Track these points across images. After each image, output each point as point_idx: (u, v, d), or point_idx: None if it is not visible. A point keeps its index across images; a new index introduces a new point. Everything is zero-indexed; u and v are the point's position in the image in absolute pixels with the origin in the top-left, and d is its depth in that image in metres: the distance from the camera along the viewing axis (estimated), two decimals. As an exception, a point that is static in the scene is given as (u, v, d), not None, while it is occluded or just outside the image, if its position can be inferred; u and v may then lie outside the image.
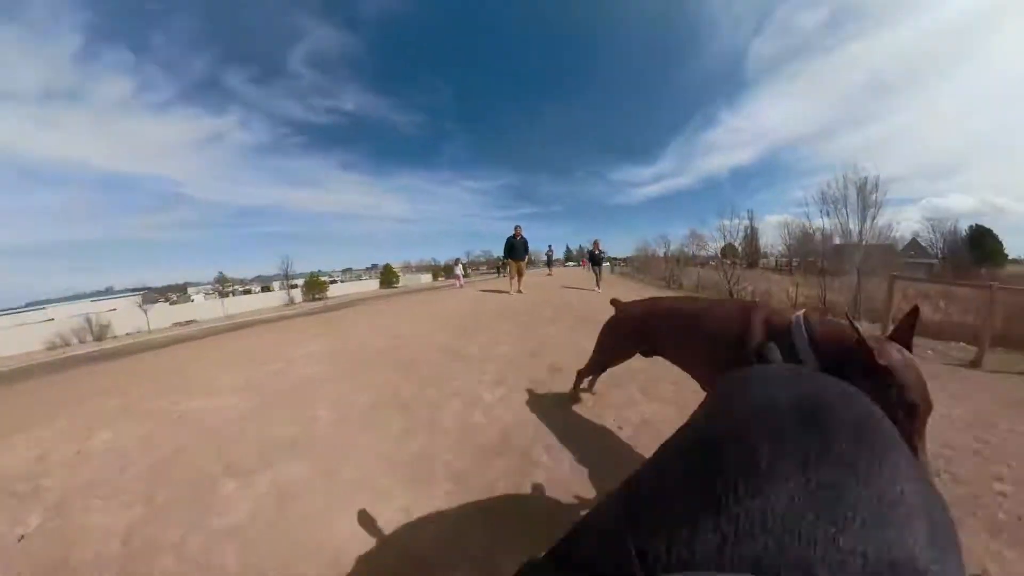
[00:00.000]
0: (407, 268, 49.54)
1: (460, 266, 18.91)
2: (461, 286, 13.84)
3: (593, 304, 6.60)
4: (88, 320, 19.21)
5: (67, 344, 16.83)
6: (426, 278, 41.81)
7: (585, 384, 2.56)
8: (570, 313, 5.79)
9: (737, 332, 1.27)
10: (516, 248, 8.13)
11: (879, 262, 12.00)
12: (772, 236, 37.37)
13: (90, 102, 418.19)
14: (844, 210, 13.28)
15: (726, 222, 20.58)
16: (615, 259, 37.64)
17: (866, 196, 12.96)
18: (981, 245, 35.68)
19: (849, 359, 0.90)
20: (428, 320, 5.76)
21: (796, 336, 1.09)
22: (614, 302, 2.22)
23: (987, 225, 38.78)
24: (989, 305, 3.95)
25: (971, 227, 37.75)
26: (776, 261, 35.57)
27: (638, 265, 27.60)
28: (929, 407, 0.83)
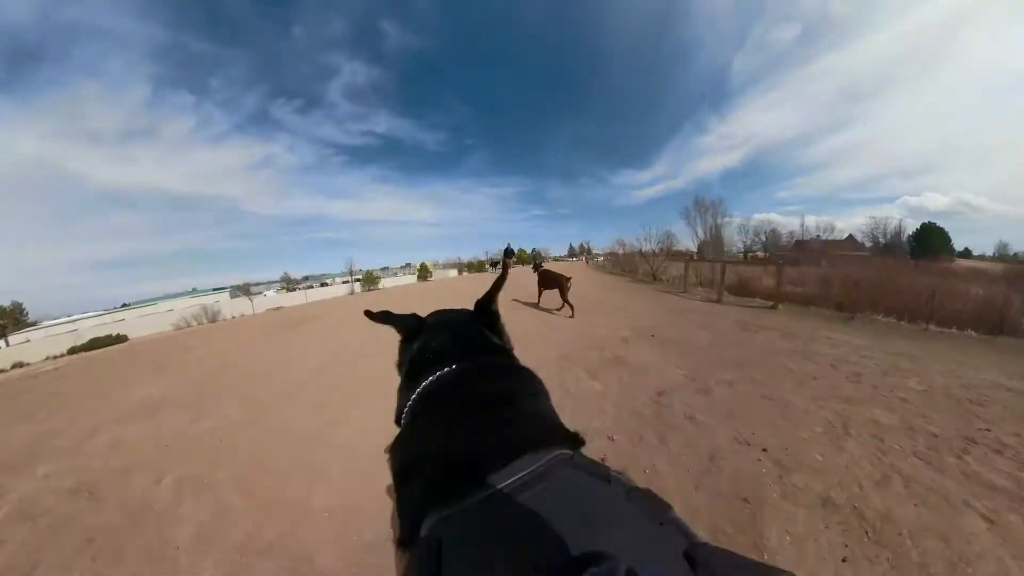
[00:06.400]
0: (436, 266, 58.59)
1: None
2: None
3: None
4: (203, 308, 21.59)
5: (189, 325, 18.16)
6: (452, 273, 50.67)
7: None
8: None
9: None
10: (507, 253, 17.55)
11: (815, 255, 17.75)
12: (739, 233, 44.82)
13: (160, 139, 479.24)
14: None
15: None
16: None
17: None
18: (925, 240, 40.65)
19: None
20: (452, 295, 14.38)
21: None
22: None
23: (963, 221, 44.25)
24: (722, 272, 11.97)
25: (923, 224, 42.85)
26: (745, 255, 41.66)
27: (614, 260, 27.59)
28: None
